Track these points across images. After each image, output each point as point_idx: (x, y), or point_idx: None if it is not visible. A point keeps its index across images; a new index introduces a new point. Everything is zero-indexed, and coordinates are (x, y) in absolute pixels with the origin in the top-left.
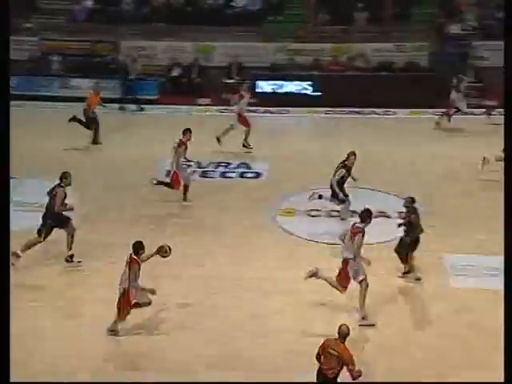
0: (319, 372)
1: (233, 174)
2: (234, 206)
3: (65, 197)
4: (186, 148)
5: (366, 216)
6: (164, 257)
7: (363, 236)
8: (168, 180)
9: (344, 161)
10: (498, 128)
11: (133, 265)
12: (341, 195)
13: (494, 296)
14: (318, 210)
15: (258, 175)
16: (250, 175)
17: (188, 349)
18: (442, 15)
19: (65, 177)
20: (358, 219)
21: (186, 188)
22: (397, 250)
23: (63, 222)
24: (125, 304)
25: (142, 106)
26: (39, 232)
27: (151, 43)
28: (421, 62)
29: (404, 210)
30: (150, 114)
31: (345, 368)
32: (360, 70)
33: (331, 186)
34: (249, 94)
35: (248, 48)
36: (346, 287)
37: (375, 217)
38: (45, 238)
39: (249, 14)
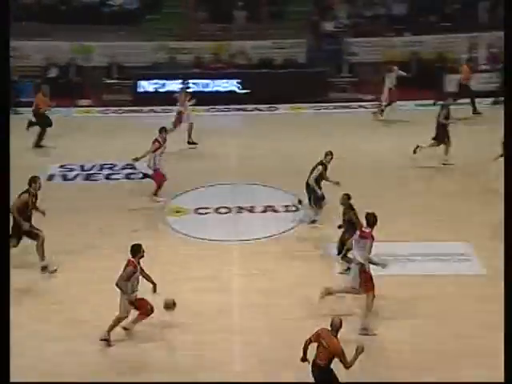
0: (314, 361)
1: (118, 176)
2: (121, 207)
3: (29, 202)
4: (160, 146)
5: (373, 220)
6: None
7: (373, 240)
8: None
9: (322, 160)
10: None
11: (129, 266)
12: (319, 192)
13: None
14: (206, 208)
15: (144, 176)
16: (136, 176)
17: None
18: (315, 13)
19: (34, 181)
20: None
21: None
22: (339, 249)
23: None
24: (143, 308)
25: (17, 108)
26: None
27: (23, 43)
28: (299, 59)
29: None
30: (27, 117)
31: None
32: (241, 67)
33: (307, 187)
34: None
35: (128, 47)
36: (371, 290)
37: (263, 211)
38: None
39: (126, 12)
